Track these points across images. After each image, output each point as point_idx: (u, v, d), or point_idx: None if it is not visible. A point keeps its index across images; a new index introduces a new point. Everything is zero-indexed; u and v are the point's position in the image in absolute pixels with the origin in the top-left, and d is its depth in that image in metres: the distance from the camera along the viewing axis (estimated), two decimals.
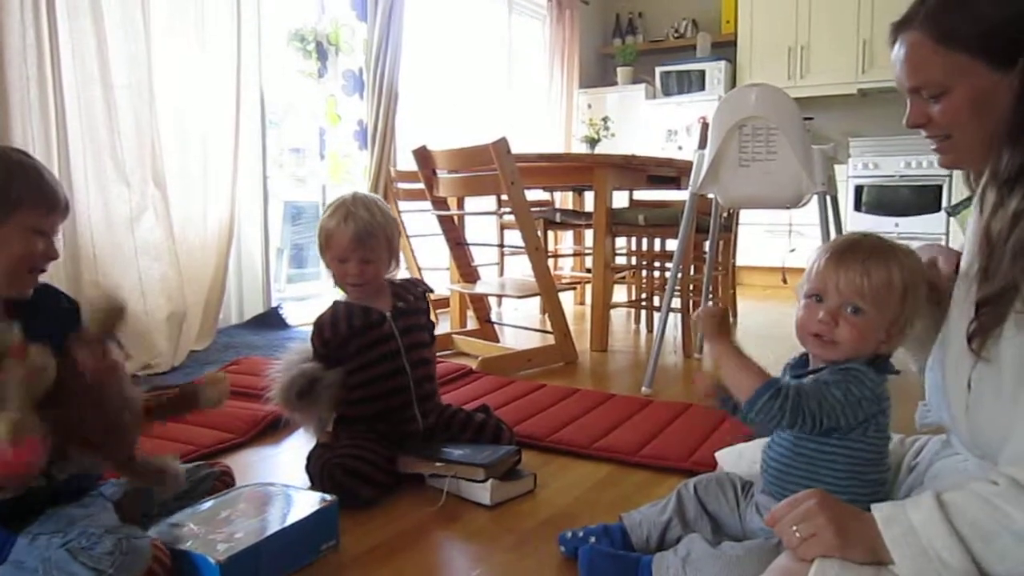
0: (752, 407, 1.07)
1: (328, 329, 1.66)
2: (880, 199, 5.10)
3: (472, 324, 3.44)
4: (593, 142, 5.35)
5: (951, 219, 4.54)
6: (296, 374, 1.59)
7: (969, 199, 1.18)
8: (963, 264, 1.08)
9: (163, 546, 1.11)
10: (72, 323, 1.20)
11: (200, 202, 3.09)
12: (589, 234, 3.71)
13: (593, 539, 1.27)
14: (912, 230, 4.84)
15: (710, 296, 3.23)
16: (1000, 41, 0.97)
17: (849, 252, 1.09)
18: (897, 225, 4.89)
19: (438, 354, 2.92)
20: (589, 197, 3.90)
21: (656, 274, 3.66)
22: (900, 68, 1.06)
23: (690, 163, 2.53)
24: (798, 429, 1.08)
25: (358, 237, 1.63)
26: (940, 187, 4.84)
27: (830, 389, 1.06)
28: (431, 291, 1.89)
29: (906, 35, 1.04)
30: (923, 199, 4.92)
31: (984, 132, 1.01)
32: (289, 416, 1.64)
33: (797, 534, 0.94)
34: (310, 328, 1.71)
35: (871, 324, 1.07)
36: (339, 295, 1.78)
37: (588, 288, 3.95)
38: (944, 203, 4.81)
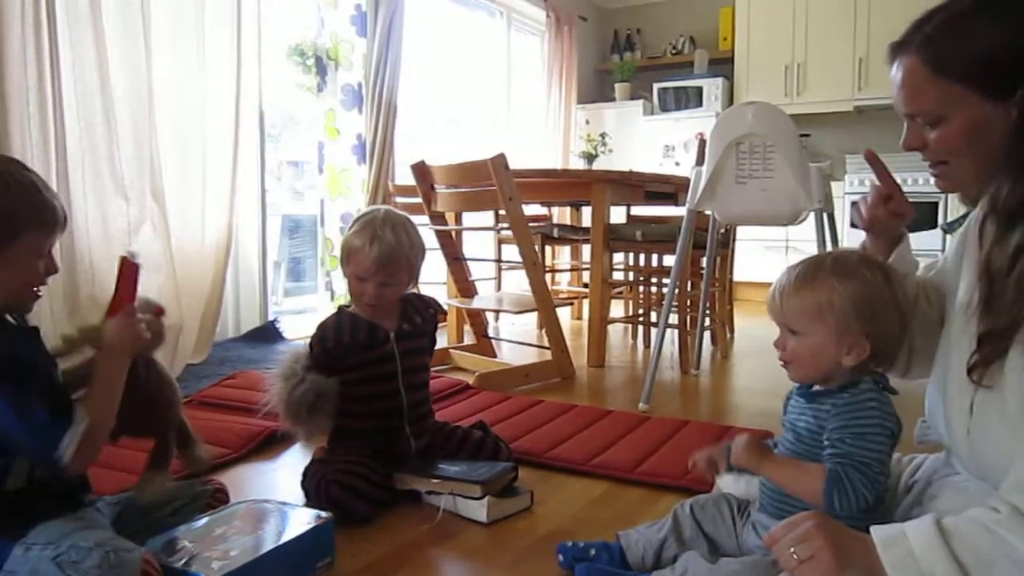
0: (833, 511, 1.04)
1: (331, 339, 1.65)
2: None
3: (469, 339, 3.43)
4: (591, 158, 5.36)
5: (948, 236, 4.55)
6: (307, 388, 1.58)
7: (966, 215, 1.18)
8: (962, 294, 1.08)
9: (154, 560, 1.11)
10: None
11: (198, 215, 3.09)
12: (587, 249, 3.72)
13: (593, 552, 1.27)
14: (912, 246, 4.85)
15: (707, 312, 3.23)
16: (996, 72, 0.96)
17: (785, 281, 1.15)
18: None
19: (434, 369, 2.92)
20: (587, 212, 3.90)
21: (653, 289, 3.67)
22: (897, 92, 1.06)
23: (687, 179, 2.54)
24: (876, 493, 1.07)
25: (380, 262, 1.61)
26: (936, 204, 4.85)
27: (868, 442, 1.06)
28: (443, 312, 1.87)
29: (903, 59, 1.04)
30: (920, 216, 4.88)
31: (980, 161, 1.01)
32: (291, 429, 1.63)
33: (795, 556, 0.93)
34: (310, 337, 1.70)
35: (814, 343, 1.11)
36: (337, 305, 1.78)
37: (585, 303, 3.95)
38: (940, 220, 4.82)
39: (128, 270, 1.25)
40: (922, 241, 4.89)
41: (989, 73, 0.97)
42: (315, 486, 1.54)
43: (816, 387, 1.15)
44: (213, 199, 3.13)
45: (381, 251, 1.61)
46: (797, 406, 1.18)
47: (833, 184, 2.53)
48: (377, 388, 1.67)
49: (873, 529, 0.93)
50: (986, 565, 0.86)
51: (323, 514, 1.33)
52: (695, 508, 1.26)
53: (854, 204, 1.25)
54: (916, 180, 4.86)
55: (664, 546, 1.23)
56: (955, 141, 1.01)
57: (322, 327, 1.68)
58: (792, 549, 0.94)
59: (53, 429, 1.08)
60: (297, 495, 1.59)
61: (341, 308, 1.73)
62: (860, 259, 1.14)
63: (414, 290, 1.81)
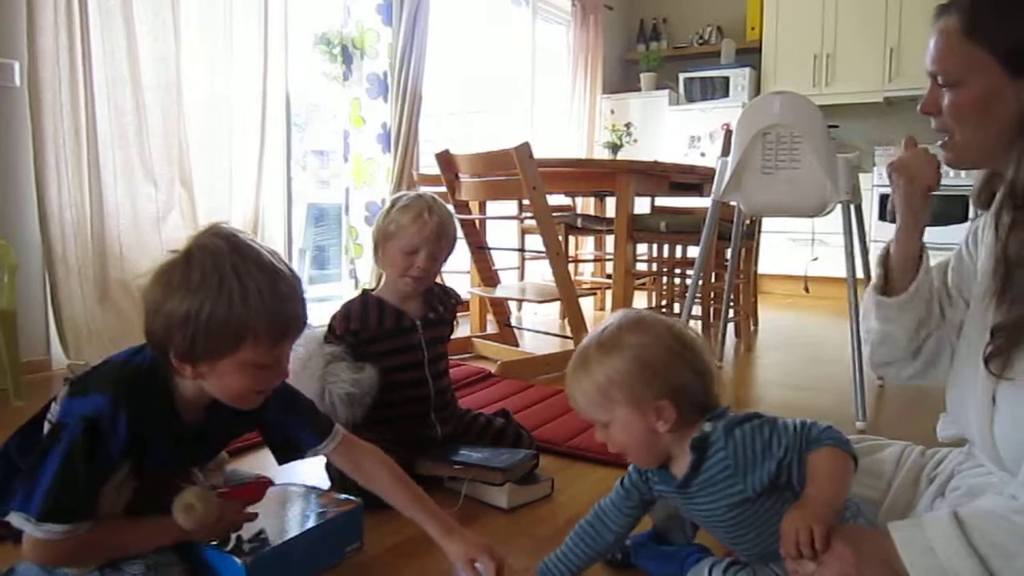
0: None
1: (357, 320, 1.67)
2: None
3: (492, 328, 3.45)
4: (615, 148, 5.34)
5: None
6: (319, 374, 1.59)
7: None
8: (980, 285, 1.07)
9: None
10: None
11: (225, 202, 3.13)
12: (610, 240, 3.71)
13: (628, 541, 1.28)
14: (938, 240, 4.76)
15: (731, 304, 3.21)
16: (1023, 52, 0.97)
17: (570, 379, 1.08)
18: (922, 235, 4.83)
19: (457, 358, 2.94)
20: (611, 203, 3.90)
21: (677, 281, 3.65)
22: (928, 51, 1.07)
23: (713, 170, 2.52)
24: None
25: (437, 232, 1.67)
26: (967, 197, 4.78)
27: (786, 431, 1.01)
28: (461, 302, 1.90)
29: (943, 19, 1.05)
30: (950, 209, 4.86)
31: (985, 136, 1.02)
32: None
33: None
34: (332, 317, 1.71)
35: (622, 425, 1.05)
36: (361, 289, 1.79)
37: (609, 294, 3.94)
38: (971, 214, 4.75)
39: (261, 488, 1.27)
40: (952, 235, 4.81)
41: (1019, 49, 0.97)
42: (339, 471, 1.55)
43: (680, 472, 1.06)
44: (240, 187, 3.17)
45: (441, 220, 1.67)
46: (682, 496, 1.08)
47: (861, 176, 2.50)
48: (405, 376, 1.68)
49: (891, 525, 0.93)
50: (1005, 556, 0.85)
51: (351, 498, 1.35)
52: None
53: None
54: (947, 173, 4.76)
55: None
56: (966, 108, 1.02)
57: (347, 307, 1.70)
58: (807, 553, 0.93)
59: (31, 498, 0.96)
60: (321, 478, 1.61)
61: (366, 291, 1.75)
62: (619, 326, 1.05)
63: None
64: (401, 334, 1.69)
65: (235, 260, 1.00)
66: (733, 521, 1.05)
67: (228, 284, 0.98)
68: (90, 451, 0.98)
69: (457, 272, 3.78)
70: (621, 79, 6.44)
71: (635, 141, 5.61)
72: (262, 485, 1.27)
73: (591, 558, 1.16)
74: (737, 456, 1.01)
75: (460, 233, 3.20)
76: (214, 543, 1.15)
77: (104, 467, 1.00)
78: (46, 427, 1.06)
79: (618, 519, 1.15)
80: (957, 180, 4.75)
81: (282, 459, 1.26)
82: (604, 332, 1.06)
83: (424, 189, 3.81)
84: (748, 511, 1.03)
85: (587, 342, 1.07)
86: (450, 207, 3.13)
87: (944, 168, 1.14)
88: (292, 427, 1.23)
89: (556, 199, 4.20)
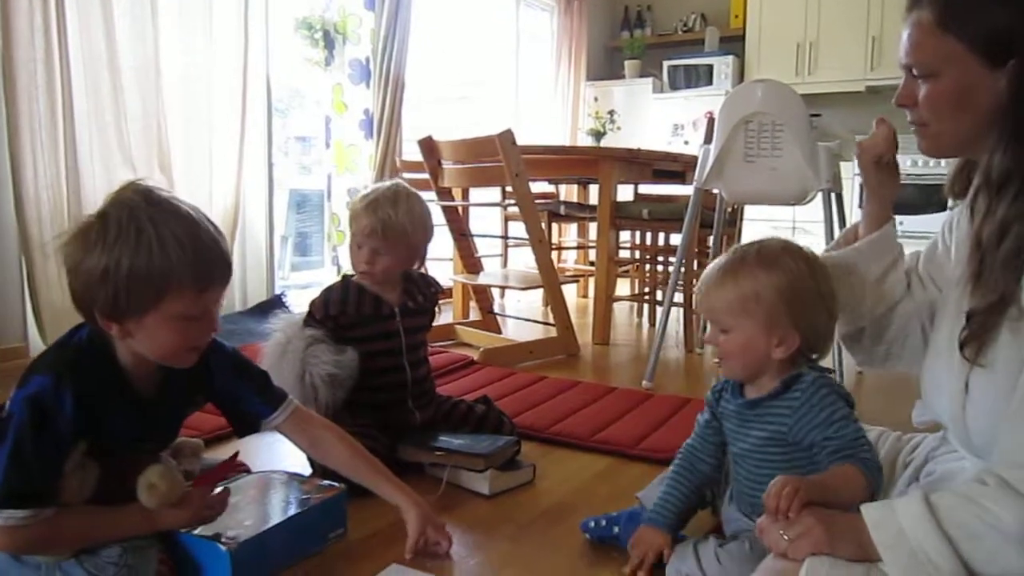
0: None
1: (335, 306, 1.67)
2: None
3: (475, 315, 3.45)
4: (599, 135, 5.33)
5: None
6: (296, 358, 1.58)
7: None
8: (954, 270, 1.08)
9: (168, 559, 1.11)
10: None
11: (205, 188, 3.09)
12: (593, 227, 3.71)
13: (617, 529, 1.28)
14: (917, 228, 4.81)
15: None
16: (998, 41, 0.97)
17: (707, 276, 1.13)
18: (902, 223, 4.84)
19: (439, 344, 2.94)
20: (594, 190, 3.90)
21: (659, 268, 3.67)
22: (902, 44, 1.07)
23: (695, 158, 2.53)
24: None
25: (372, 229, 1.64)
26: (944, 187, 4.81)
27: (851, 424, 1.05)
28: (442, 291, 1.89)
29: (916, 12, 1.04)
30: (929, 198, 4.90)
31: (960, 126, 1.02)
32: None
33: (785, 538, 0.94)
34: (311, 301, 1.71)
35: (743, 337, 1.08)
36: (342, 275, 1.79)
37: (591, 281, 3.95)
38: (950, 203, 4.79)
39: (230, 465, 1.21)
40: (931, 223, 4.87)
41: (991, 41, 0.97)
42: None
43: (754, 395, 1.12)
44: (220, 172, 3.14)
45: (377, 217, 1.64)
46: (739, 418, 1.15)
47: (842, 165, 2.51)
48: (382, 363, 1.69)
49: (863, 507, 0.94)
50: (973, 538, 0.86)
51: (335, 485, 1.34)
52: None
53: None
54: (927, 162, 4.84)
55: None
56: (942, 99, 1.02)
57: (327, 292, 1.70)
58: (781, 531, 0.95)
59: None
60: (303, 465, 1.60)
61: (347, 277, 1.75)
62: (784, 248, 1.10)
63: (420, 268, 1.82)
64: (379, 321, 1.69)
65: (152, 212, 0.98)
66: (764, 458, 1.10)
67: (146, 235, 0.96)
68: (37, 428, 0.97)
69: (440, 259, 3.77)
70: (605, 66, 6.43)
71: (618, 128, 5.60)
72: (230, 461, 1.22)
73: (692, 493, 1.21)
74: (803, 405, 1.06)
75: (442, 220, 3.23)
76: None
77: (55, 445, 0.99)
78: None
79: (705, 448, 1.21)
80: (936, 168, 4.80)
81: (240, 431, 1.27)
82: (765, 247, 1.09)
83: (408, 176, 3.80)
84: (777, 454, 1.09)
85: (744, 249, 1.11)
86: (432, 194, 3.16)
87: (924, 158, 1.15)
88: (244, 395, 1.23)
89: (539, 186, 4.20)
